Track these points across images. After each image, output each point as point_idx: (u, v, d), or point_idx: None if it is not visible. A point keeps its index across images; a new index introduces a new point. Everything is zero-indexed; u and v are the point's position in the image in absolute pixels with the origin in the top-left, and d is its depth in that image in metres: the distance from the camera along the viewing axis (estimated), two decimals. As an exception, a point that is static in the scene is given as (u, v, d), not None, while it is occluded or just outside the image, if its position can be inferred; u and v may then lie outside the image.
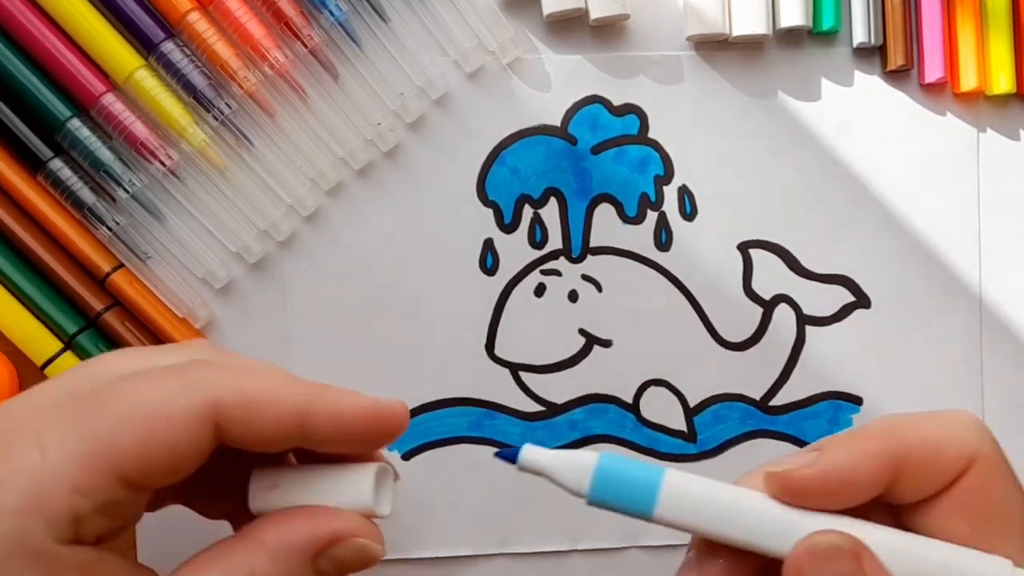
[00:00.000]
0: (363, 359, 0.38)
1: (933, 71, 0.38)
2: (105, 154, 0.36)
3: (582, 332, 0.38)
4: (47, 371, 0.36)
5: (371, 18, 0.37)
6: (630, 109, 0.38)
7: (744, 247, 0.39)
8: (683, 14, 0.38)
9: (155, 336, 0.37)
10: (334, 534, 0.25)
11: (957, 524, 0.27)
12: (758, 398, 0.39)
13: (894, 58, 0.38)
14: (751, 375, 0.39)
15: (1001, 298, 0.39)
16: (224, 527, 0.29)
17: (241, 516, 0.27)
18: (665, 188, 0.38)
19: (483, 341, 0.38)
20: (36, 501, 0.23)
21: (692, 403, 0.39)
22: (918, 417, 0.28)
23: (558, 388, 0.39)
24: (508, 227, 0.38)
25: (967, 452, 0.27)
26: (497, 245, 0.38)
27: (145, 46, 0.36)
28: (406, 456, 0.38)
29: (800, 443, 0.39)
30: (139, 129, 0.36)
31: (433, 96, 0.38)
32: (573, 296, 0.38)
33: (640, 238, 0.38)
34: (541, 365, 0.38)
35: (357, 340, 0.38)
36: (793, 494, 0.26)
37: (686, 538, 0.39)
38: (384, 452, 0.38)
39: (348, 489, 0.26)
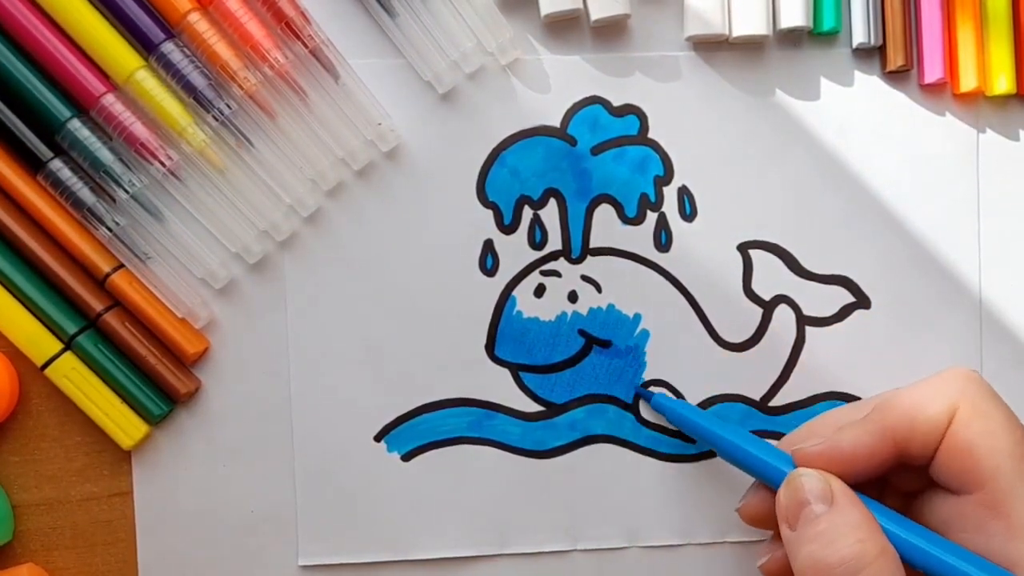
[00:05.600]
0: (363, 359, 0.38)
1: (933, 72, 0.38)
2: (105, 155, 0.36)
3: (582, 332, 0.39)
4: (47, 371, 0.37)
5: (374, 16, 0.37)
6: (630, 110, 0.38)
7: (744, 247, 0.39)
8: (683, 14, 0.38)
9: (156, 336, 0.37)
10: None
11: (951, 468, 0.31)
12: (758, 398, 0.39)
13: (894, 59, 0.38)
14: (751, 375, 0.39)
15: (1001, 298, 0.39)
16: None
17: None
18: (665, 189, 0.38)
19: (483, 341, 0.38)
20: None
21: (692, 403, 0.39)
22: (909, 387, 0.33)
23: (558, 388, 0.39)
24: (508, 228, 0.38)
25: (948, 403, 0.31)
26: (497, 246, 0.38)
27: (145, 46, 0.36)
28: (406, 456, 0.38)
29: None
30: (139, 130, 0.36)
31: (434, 97, 0.38)
32: (573, 297, 0.38)
33: (640, 239, 0.38)
34: (541, 365, 0.39)
35: (357, 340, 0.38)
36: (808, 466, 0.32)
37: (685, 538, 0.39)
38: (384, 452, 0.38)
39: None
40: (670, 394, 0.38)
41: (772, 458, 0.33)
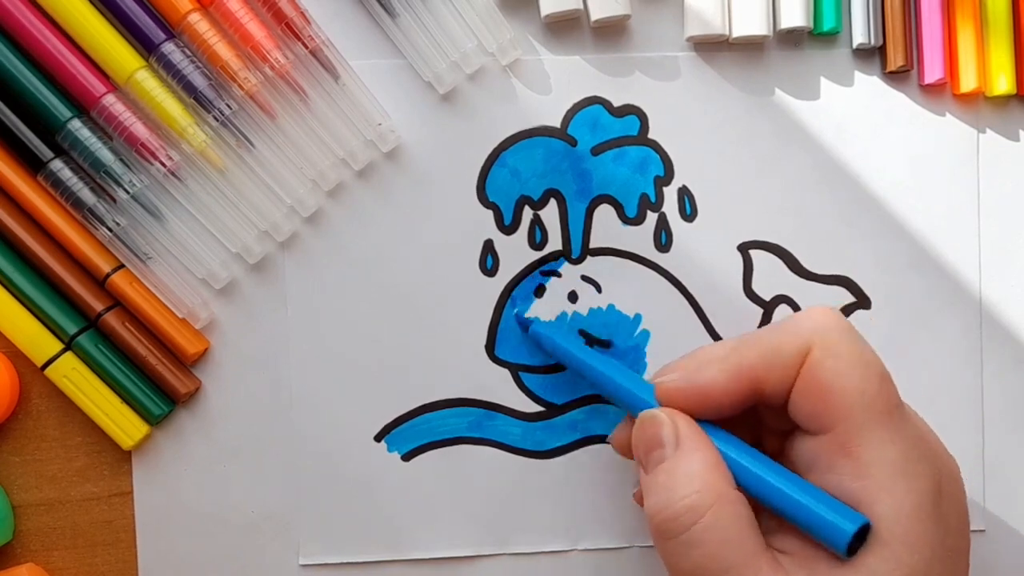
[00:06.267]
0: (363, 359, 0.38)
1: (933, 72, 0.38)
2: (106, 155, 0.36)
3: (582, 333, 0.39)
4: (47, 371, 0.37)
5: (376, 16, 0.37)
6: (630, 110, 0.38)
7: (744, 248, 0.39)
8: (683, 14, 0.38)
9: (156, 337, 0.37)
10: None
11: (803, 409, 0.31)
12: (758, 398, 0.39)
13: (894, 59, 0.38)
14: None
15: (1001, 298, 0.39)
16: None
17: None
18: (665, 189, 0.38)
19: (483, 341, 0.38)
20: None
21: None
22: (769, 326, 0.33)
23: (558, 388, 0.39)
24: (508, 228, 0.38)
25: (802, 343, 0.31)
26: (497, 246, 0.38)
27: (146, 47, 0.36)
28: (406, 456, 0.38)
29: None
30: (140, 130, 0.36)
31: (435, 97, 0.38)
32: (573, 297, 0.38)
33: (640, 239, 0.38)
34: (541, 365, 0.39)
35: (357, 340, 0.38)
36: (666, 400, 0.32)
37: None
38: (384, 452, 0.38)
39: None
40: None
41: (637, 389, 0.33)
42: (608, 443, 0.36)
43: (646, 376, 0.34)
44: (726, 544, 0.29)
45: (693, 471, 0.30)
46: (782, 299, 0.39)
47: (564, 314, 0.38)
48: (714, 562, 0.29)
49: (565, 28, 0.38)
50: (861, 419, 0.29)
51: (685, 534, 0.29)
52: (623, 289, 0.38)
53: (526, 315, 0.38)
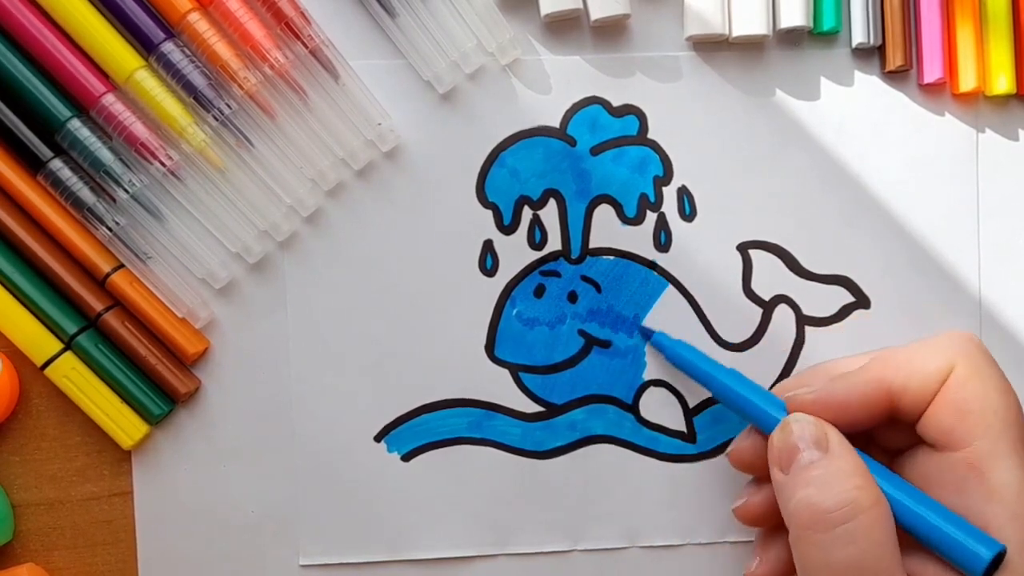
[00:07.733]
0: (363, 359, 0.38)
1: (932, 71, 0.38)
2: (105, 154, 0.36)
3: (582, 333, 0.39)
4: (47, 371, 0.37)
5: (376, 16, 0.37)
6: (629, 110, 0.38)
7: (743, 247, 0.39)
8: (683, 14, 0.38)
9: (156, 336, 0.37)
10: None
11: (940, 423, 0.31)
12: (758, 398, 0.39)
13: (893, 58, 0.38)
14: (751, 375, 0.38)
15: (1001, 298, 0.39)
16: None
17: None
18: (664, 189, 0.38)
19: (483, 341, 0.38)
20: None
21: (691, 403, 0.39)
22: (909, 345, 0.33)
23: (558, 388, 0.39)
24: (507, 228, 0.38)
25: (946, 360, 0.31)
26: (496, 246, 0.38)
27: (145, 46, 0.36)
28: (406, 457, 0.38)
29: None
30: (139, 129, 0.36)
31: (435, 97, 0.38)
32: (572, 297, 0.38)
33: (639, 239, 0.38)
34: (541, 365, 0.39)
35: (357, 340, 0.38)
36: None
37: (685, 538, 0.39)
38: (384, 452, 0.38)
39: None
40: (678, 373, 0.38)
41: (767, 404, 0.34)
42: (726, 455, 0.37)
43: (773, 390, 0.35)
44: (881, 546, 0.29)
45: (852, 470, 0.30)
46: (782, 299, 0.39)
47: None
48: (867, 561, 0.29)
49: (565, 28, 0.38)
50: (998, 441, 0.30)
51: (842, 527, 0.29)
52: (623, 289, 0.38)
53: (643, 323, 0.38)
